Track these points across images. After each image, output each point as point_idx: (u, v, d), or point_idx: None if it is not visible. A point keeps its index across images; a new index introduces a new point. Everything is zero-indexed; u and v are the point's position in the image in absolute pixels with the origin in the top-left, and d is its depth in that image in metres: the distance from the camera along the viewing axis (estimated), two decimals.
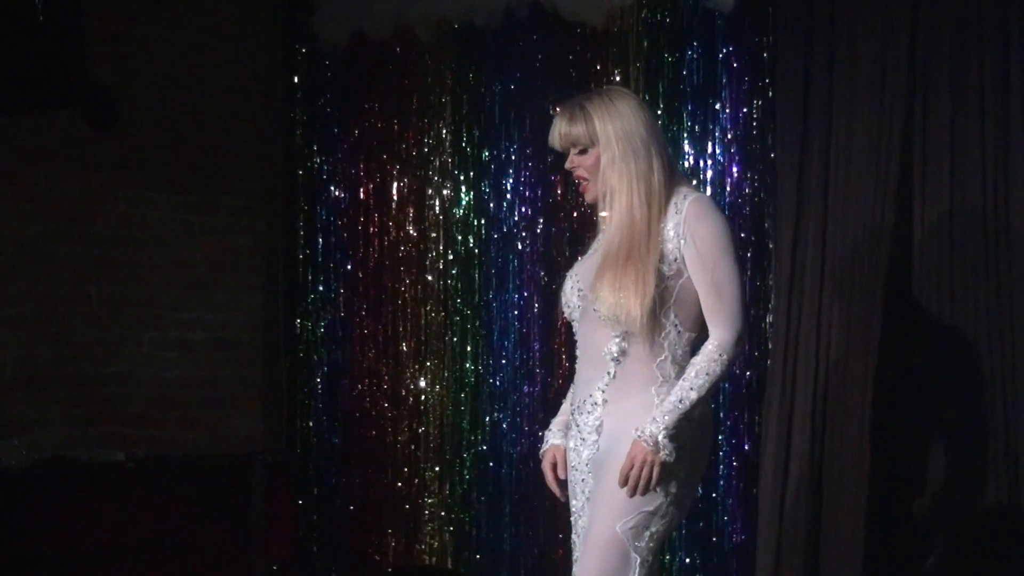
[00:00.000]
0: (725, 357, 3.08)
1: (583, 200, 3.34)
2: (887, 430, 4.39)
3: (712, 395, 3.14)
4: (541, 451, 3.48)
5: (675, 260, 3.13)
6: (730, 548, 4.82)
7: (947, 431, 4.27)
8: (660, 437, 3.03)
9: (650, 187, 3.15)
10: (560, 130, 3.23)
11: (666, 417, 3.05)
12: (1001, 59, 4.17)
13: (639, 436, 3.06)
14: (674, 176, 3.23)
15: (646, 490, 3.06)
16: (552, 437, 3.45)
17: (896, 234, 4.35)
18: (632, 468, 3.06)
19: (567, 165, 3.28)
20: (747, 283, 4.76)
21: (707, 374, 3.07)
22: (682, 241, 3.11)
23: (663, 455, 3.04)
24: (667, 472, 3.08)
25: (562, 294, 3.36)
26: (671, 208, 3.14)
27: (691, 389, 3.06)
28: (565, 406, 3.46)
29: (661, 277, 3.12)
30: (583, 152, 3.22)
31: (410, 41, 5.64)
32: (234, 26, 5.76)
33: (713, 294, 3.10)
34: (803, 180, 4.51)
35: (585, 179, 3.24)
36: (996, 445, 4.15)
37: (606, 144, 3.17)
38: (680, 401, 3.06)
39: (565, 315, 3.37)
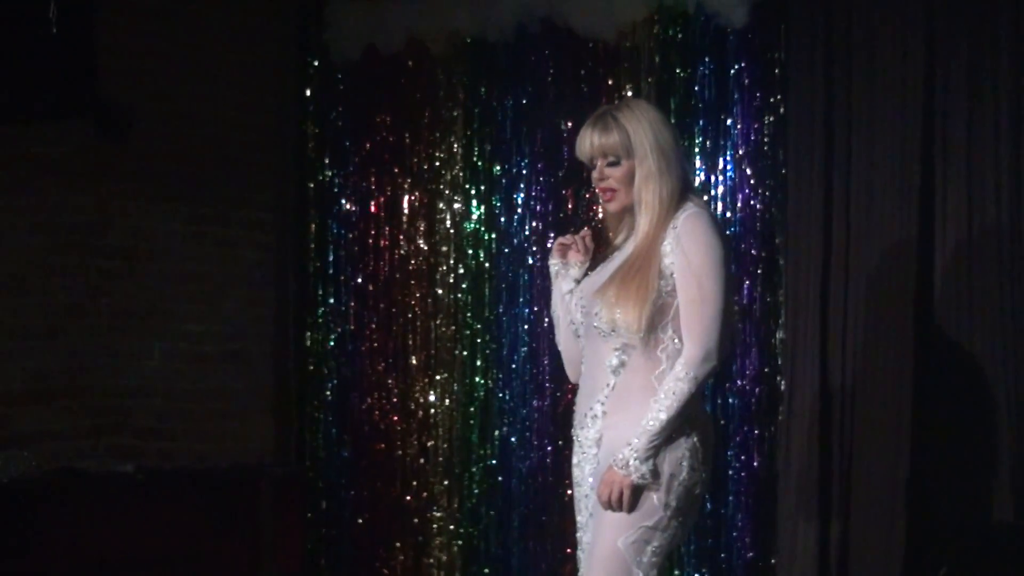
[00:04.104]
0: (692, 374, 3.05)
1: (605, 210, 3.30)
2: (916, 443, 4.37)
3: (685, 412, 3.06)
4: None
5: (671, 275, 3.10)
6: (739, 564, 4.81)
7: (973, 443, 4.27)
8: (631, 460, 3.05)
9: (672, 201, 3.13)
10: (592, 140, 3.17)
11: (637, 440, 3.05)
12: (1016, 77, 4.20)
13: (614, 461, 3.07)
14: (687, 190, 3.21)
15: (621, 510, 3.07)
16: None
17: (920, 248, 4.35)
18: (603, 492, 3.08)
19: (595, 175, 3.21)
20: (757, 299, 4.77)
21: (674, 394, 3.05)
22: (676, 255, 3.09)
23: (634, 478, 3.05)
24: (658, 490, 3.07)
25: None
26: (671, 223, 3.12)
27: (660, 411, 3.05)
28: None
29: (660, 292, 3.10)
30: (614, 164, 3.17)
31: (422, 55, 5.66)
32: (247, 39, 5.76)
33: (693, 308, 3.07)
34: (820, 196, 4.51)
35: (614, 190, 3.20)
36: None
37: (643, 157, 3.13)
38: (649, 423, 3.05)
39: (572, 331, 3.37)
